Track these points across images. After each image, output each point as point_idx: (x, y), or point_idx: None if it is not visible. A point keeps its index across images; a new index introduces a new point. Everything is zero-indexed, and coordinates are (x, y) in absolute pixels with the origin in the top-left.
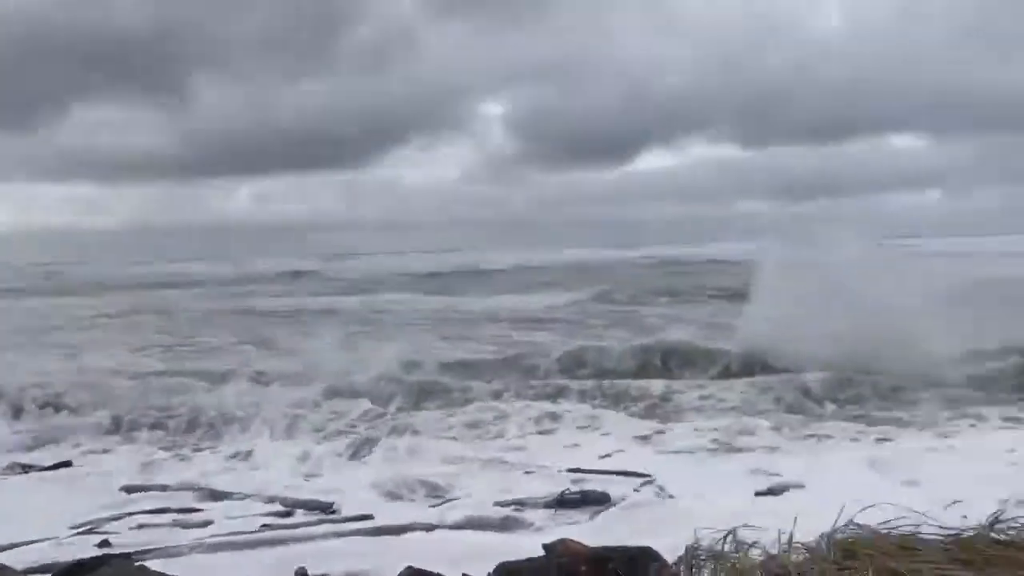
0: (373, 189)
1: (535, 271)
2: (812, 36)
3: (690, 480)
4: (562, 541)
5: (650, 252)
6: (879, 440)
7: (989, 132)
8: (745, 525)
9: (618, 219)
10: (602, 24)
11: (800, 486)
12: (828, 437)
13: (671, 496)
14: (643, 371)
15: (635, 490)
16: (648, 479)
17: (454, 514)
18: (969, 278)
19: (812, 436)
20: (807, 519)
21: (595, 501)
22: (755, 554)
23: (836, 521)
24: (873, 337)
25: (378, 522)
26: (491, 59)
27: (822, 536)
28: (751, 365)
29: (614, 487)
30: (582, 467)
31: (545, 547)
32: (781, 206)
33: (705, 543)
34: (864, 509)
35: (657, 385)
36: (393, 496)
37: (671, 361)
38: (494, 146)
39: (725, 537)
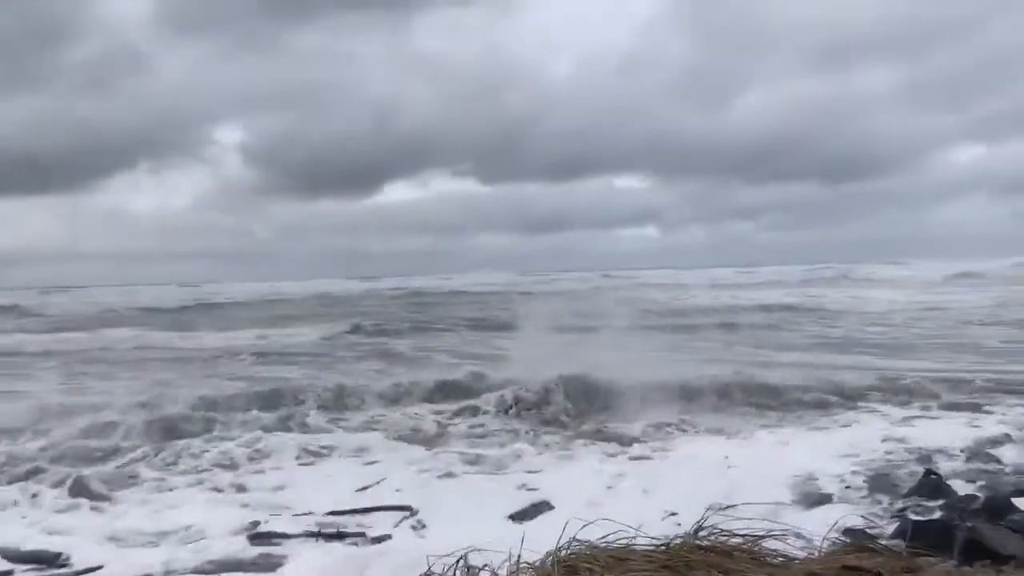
0: (96, 216)
1: (276, 304)
2: (545, 82)
3: (451, 506)
4: None
5: (394, 284)
6: (611, 456)
7: (699, 175)
8: (476, 549)
9: (362, 250)
10: (345, 54)
11: (551, 507)
12: (570, 458)
13: (424, 527)
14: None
15: (395, 525)
16: (408, 512)
17: (198, 557)
18: (678, 306)
19: (566, 456)
20: (550, 537)
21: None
22: None
23: (559, 539)
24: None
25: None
26: (229, 83)
27: (547, 554)
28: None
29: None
30: (340, 508)
31: None
32: (519, 239)
33: (438, 570)
34: (585, 526)
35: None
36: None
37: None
38: (232, 174)
39: (456, 563)
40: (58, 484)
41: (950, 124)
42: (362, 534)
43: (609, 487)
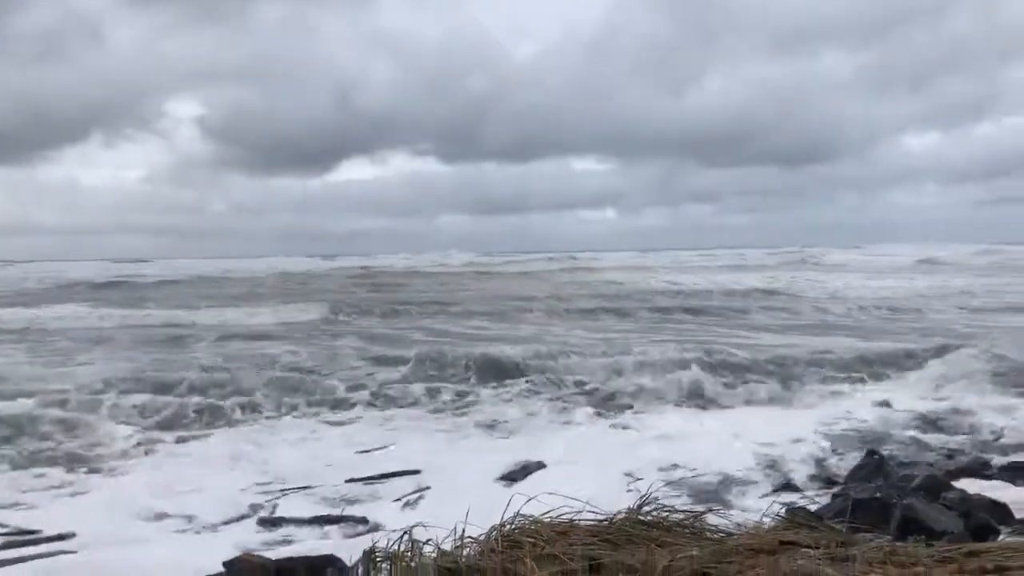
0: (45, 189)
1: (237, 282)
2: (509, 63)
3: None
4: (239, 557)
5: (352, 263)
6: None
7: (659, 158)
8: (421, 524)
9: (320, 229)
10: (307, 29)
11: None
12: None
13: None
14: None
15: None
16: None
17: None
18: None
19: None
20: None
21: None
22: (429, 551)
23: (504, 514)
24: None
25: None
26: (188, 55)
27: (491, 528)
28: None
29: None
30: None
31: (225, 564)
32: (479, 220)
33: (383, 544)
34: (528, 500)
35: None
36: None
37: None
38: (188, 147)
39: (401, 537)
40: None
41: (907, 110)
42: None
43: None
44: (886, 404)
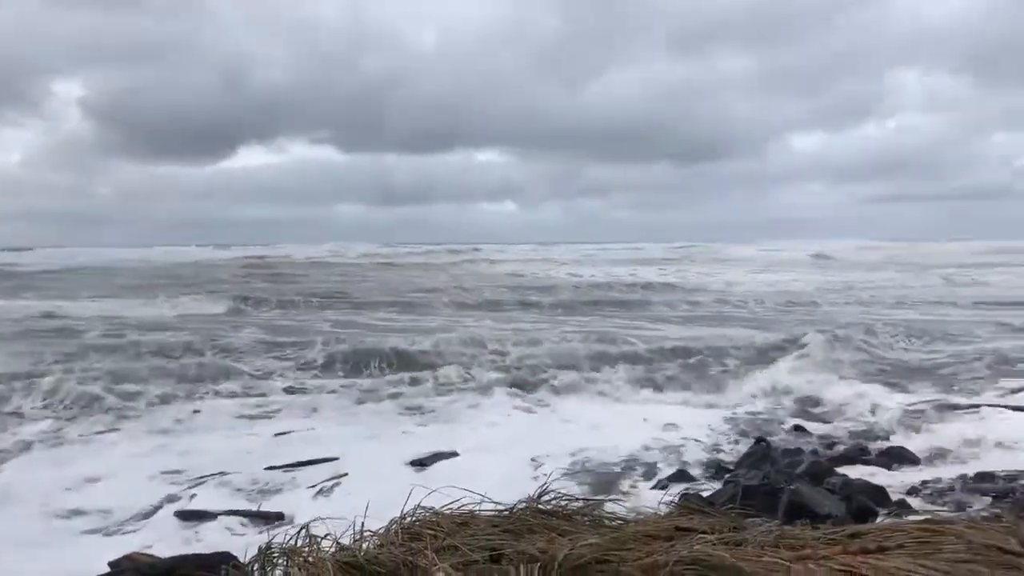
0: None
1: (125, 272)
2: (411, 51)
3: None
4: (127, 556)
5: (246, 252)
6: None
7: (558, 153)
8: (319, 519)
9: (213, 217)
10: (201, 9)
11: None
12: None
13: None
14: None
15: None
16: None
17: None
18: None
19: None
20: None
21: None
22: (327, 546)
23: (404, 506)
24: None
25: None
26: (71, 34)
27: (391, 521)
28: None
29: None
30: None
31: (111, 564)
32: (377, 210)
33: (280, 539)
34: (430, 493)
35: None
36: None
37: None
38: (70, 130)
39: (299, 532)
40: None
41: (795, 111)
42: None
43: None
44: (778, 392)
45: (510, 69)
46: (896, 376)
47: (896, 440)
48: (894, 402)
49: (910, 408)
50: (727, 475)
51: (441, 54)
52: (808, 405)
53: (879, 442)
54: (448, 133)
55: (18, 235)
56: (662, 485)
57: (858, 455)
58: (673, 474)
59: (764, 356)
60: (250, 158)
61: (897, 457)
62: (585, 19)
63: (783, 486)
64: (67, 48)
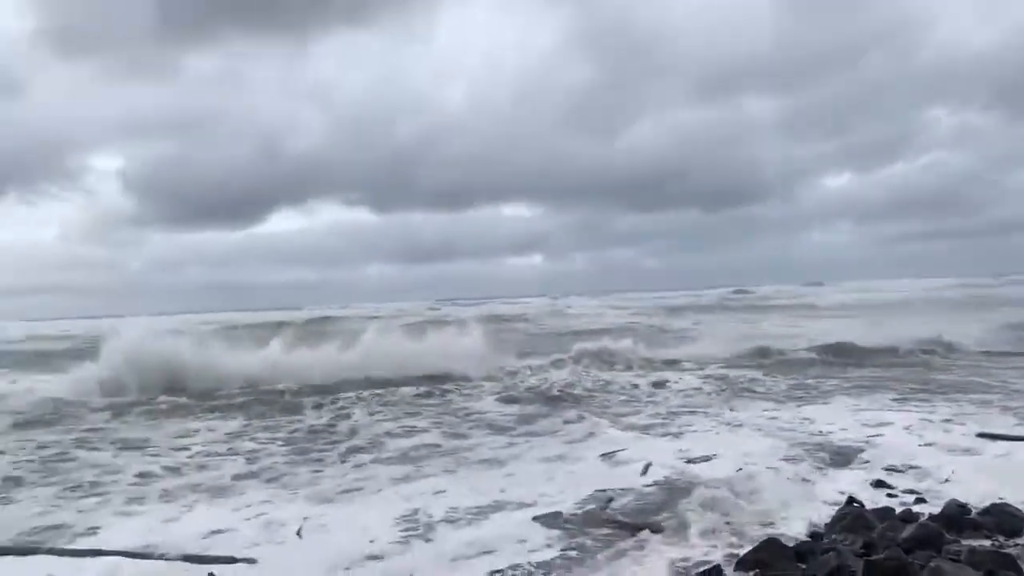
0: None
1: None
2: (440, 111)
3: None
4: None
5: (281, 316)
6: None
7: (585, 203)
8: None
9: (246, 281)
10: (236, 82)
11: None
12: None
13: None
14: None
15: None
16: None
17: None
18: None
19: None
20: None
21: None
22: None
23: None
24: None
25: None
26: (111, 109)
27: None
28: None
29: None
30: None
31: None
32: (406, 268)
33: None
34: None
35: None
36: None
37: None
38: (108, 203)
39: None
40: None
41: (823, 153)
42: None
43: None
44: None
45: (538, 122)
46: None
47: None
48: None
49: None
50: (823, 541)
51: (470, 112)
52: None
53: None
54: (475, 189)
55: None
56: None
57: (959, 515)
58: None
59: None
60: (283, 222)
61: (1003, 515)
62: (614, 69)
63: (910, 561)
64: (106, 122)
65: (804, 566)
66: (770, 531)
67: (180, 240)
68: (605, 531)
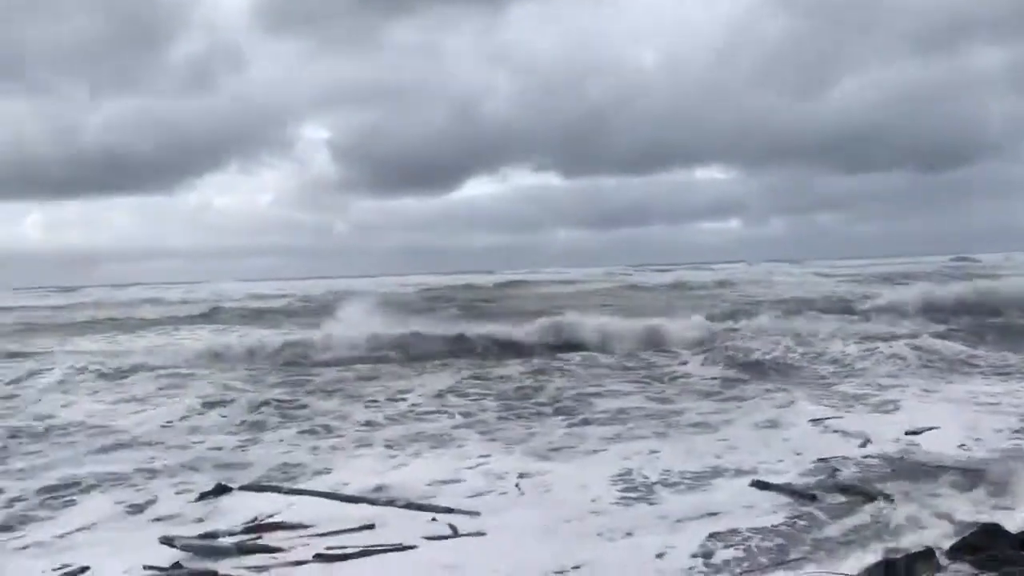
0: (182, 215)
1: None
2: (632, 72)
3: None
4: None
5: (497, 279)
6: None
7: (786, 164)
8: None
9: (441, 246)
10: (435, 50)
11: None
12: None
13: None
14: None
15: None
16: None
17: None
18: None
19: None
20: None
21: None
22: None
23: None
24: None
25: None
26: (319, 80)
27: None
28: None
29: None
30: None
31: None
32: (596, 234)
33: None
34: None
35: None
36: None
37: None
38: (317, 171)
39: None
40: None
41: None
42: None
43: None
44: None
45: (735, 80)
46: None
47: None
48: None
49: None
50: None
51: (663, 71)
52: None
53: None
54: (668, 151)
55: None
56: None
57: None
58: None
59: None
60: (477, 188)
61: None
62: (818, 24)
63: None
64: (315, 93)
65: None
66: (994, 516)
67: (381, 206)
68: (829, 501)
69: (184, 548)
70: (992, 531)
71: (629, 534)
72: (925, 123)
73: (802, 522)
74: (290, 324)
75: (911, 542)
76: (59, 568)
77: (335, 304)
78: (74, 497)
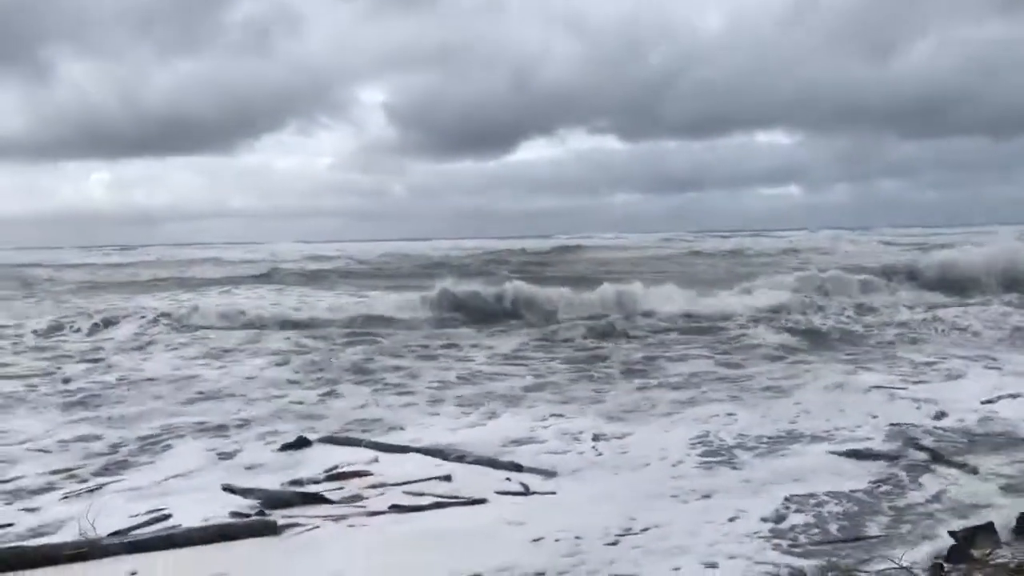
0: (241, 176)
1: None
2: (696, 36)
3: None
4: None
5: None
6: None
7: (851, 130)
8: None
9: (498, 210)
10: (493, 11)
11: None
12: None
13: None
14: None
15: None
16: None
17: None
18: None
19: None
20: None
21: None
22: None
23: None
24: None
25: None
26: (377, 43)
27: None
28: None
29: None
30: None
31: None
32: (653, 199)
33: None
34: None
35: None
36: None
37: None
38: (374, 134)
39: None
40: None
41: None
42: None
43: None
44: None
45: (800, 44)
46: None
47: None
48: None
49: None
50: None
51: (727, 35)
52: None
53: None
54: (729, 116)
55: (324, 230)
56: None
57: None
58: None
59: None
60: (533, 151)
61: None
62: None
63: None
64: (371, 56)
65: None
66: None
67: (438, 169)
68: (910, 469)
69: (245, 495)
70: None
71: (707, 496)
72: (999, 88)
73: (881, 488)
74: (348, 285)
75: (992, 515)
76: (148, 512)
77: (394, 266)
78: (170, 442)
